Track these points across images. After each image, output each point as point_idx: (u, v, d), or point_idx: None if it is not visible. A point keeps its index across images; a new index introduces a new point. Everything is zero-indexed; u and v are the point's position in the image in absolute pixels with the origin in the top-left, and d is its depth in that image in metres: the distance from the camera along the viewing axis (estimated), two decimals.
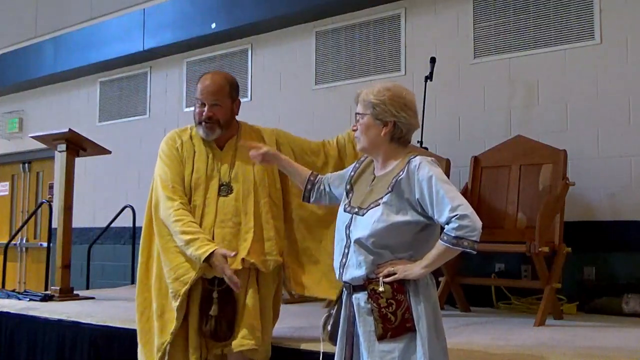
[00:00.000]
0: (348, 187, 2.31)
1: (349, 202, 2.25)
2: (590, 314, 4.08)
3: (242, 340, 2.76)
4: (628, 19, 4.38)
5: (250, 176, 2.90)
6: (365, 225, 2.11)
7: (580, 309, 4.17)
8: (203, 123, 2.89)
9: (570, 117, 4.53)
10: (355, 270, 2.13)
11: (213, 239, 2.78)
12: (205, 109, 2.89)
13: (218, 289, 2.78)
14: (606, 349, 2.93)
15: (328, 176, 2.49)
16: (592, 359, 2.71)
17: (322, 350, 2.34)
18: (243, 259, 2.78)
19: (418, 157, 2.17)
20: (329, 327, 2.29)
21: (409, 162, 2.16)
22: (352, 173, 2.34)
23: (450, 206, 2.03)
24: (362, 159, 2.37)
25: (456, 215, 2.02)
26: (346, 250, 2.17)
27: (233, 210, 2.85)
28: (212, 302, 2.77)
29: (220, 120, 2.91)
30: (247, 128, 3.08)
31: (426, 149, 4.57)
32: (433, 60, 4.82)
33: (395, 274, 2.07)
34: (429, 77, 4.75)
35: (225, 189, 2.88)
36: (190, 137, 2.98)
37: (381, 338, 2.07)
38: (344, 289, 2.23)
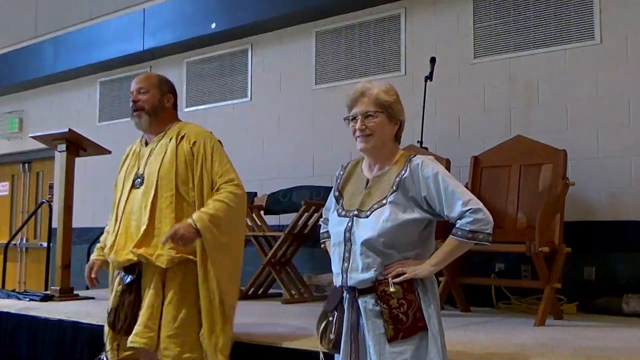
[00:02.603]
0: (337, 194, 2.29)
1: (342, 206, 2.23)
2: (590, 314, 4.08)
3: (133, 337, 2.76)
4: (628, 19, 4.38)
5: (155, 170, 2.90)
6: (372, 226, 2.09)
7: (580, 309, 4.17)
8: (132, 113, 3.00)
9: (570, 117, 4.53)
10: (362, 274, 2.09)
11: (119, 229, 2.91)
12: (132, 97, 3.00)
13: (123, 283, 2.88)
14: (606, 349, 2.93)
15: (324, 218, 2.44)
16: (592, 359, 2.71)
17: (321, 353, 2.30)
18: (132, 252, 2.82)
19: (418, 156, 2.18)
20: (331, 336, 2.20)
21: (409, 160, 2.16)
22: (339, 181, 2.32)
23: (462, 201, 2.05)
24: (344, 165, 2.35)
25: (470, 209, 2.04)
26: (347, 255, 2.13)
27: (139, 202, 2.91)
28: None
29: (146, 106, 2.98)
30: (180, 129, 3.01)
31: (426, 149, 4.57)
32: (433, 60, 4.82)
33: (404, 273, 2.06)
34: (429, 77, 4.75)
35: (139, 181, 2.94)
36: (134, 144, 3.13)
37: (392, 339, 2.04)
38: (345, 295, 2.18)
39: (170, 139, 2.96)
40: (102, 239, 3.15)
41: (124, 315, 2.82)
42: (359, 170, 2.29)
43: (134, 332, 2.77)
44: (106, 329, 2.94)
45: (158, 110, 3.01)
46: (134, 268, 2.86)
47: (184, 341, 2.79)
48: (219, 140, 3.05)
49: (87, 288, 6.40)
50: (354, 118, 2.19)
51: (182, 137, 2.96)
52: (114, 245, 2.90)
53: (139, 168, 2.98)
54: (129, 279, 2.86)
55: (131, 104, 2.99)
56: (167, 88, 3.09)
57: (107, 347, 2.90)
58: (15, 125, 8.41)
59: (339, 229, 2.18)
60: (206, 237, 2.78)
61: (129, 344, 2.78)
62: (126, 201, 2.96)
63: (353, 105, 2.22)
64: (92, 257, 3.12)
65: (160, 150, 2.96)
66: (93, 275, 3.05)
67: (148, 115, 2.98)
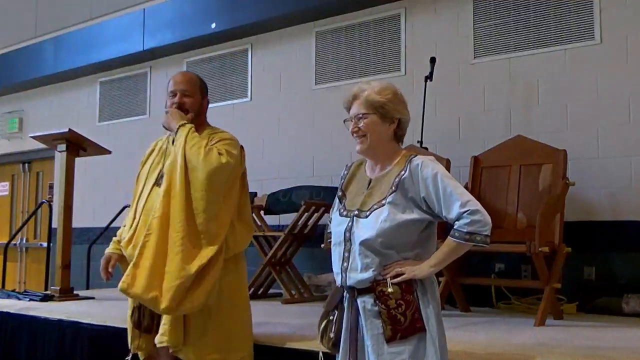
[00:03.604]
0: (340, 193, 2.29)
1: (344, 206, 2.24)
2: (590, 314, 4.08)
3: (160, 337, 2.74)
4: (628, 19, 4.38)
5: (176, 168, 2.85)
6: (371, 226, 2.09)
7: (580, 309, 4.17)
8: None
9: (570, 117, 4.53)
10: (361, 273, 2.10)
11: (138, 224, 2.87)
12: (176, 98, 2.96)
13: None
14: (606, 349, 2.93)
15: (330, 218, 2.45)
16: (592, 359, 2.71)
17: (321, 353, 2.30)
18: None
19: (419, 156, 2.18)
20: (331, 335, 2.22)
21: (409, 161, 2.16)
22: (343, 181, 2.33)
23: (460, 202, 2.04)
24: (348, 165, 2.36)
25: (467, 210, 2.03)
26: (346, 254, 2.14)
27: (160, 199, 2.85)
28: None
29: (189, 109, 2.97)
30: (208, 131, 3.03)
31: (426, 149, 4.57)
32: (433, 60, 4.82)
33: (403, 274, 2.06)
34: (429, 77, 4.75)
35: (162, 179, 2.89)
36: (160, 140, 3.09)
37: (390, 340, 2.04)
38: (345, 294, 2.19)
39: None
40: (119, 232, 3.09)
41: (149, 313, 2.78)
42: (363, 170, 2.30)
43: (160, 331, 2.74)
44: (130, 328, 2.89)
45: (198, 114, 3.02)
46: None
47: (206, 341, 2.78)
48: (241, 146, 3.01)
49: (87, 287, 6.43)
50: (352, 121, 2.22)
51: (210, 140, 2.93)
52: (132, 240, 2.87)
53: (163, 166, 2.94)
54: None
55: (174, 104, 2.95)
56: (205, 91, 3.10)
57: (134, 347, 2.87)
58: (15, 125, 8.41)
59: (339, 228, 2.19)
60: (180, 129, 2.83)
61: (158, 344, 2.75)
62: (147, 197, 2.92)
63: (348, 108, 2.26)
64: (109, 250, 3.05)
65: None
66: (110, 270, 3.00)
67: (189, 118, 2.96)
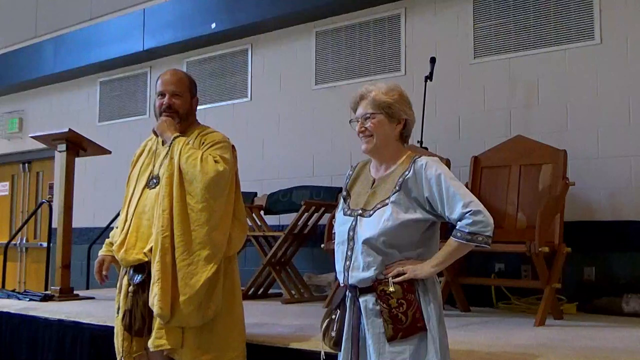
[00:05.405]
0: (345, 193, 2.31)
1: (348, 205, 2.25)
2: (590, 314, 4.08)
3: (158, 341, 2.72)
4: (628, 19, 4.38)
5: (172, 171, 2.82)
6: (374, 225, 2.11)
7: (580, 309, 4.17)
8: (163, 114, 2.94)
9: (570, 117, 4.53)
10: (363, 272, 2.11)
11: (130, 227, 2.86)
12: (165, 99, 2.93)
13: (133, 283, 2.82)
14: (606, 349, 2.93)
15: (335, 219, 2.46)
16: (592, 359, 2.71)
17: (323, 352, 2.31)
18: (145, 253, 2.80)
19: (423, 157, 2.20)
20: (332, 334, 2.23)
21: (414, 161, 2.18)
22: (347, 181, 2.35)
23: (463, 202, 2.05)
24: (354, 165, 2.37)
25: (469, 211, 2.04)
26: (349, 253, 2.16)
27: (152, 202, 2.84)
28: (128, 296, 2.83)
29: (179, 110, 2.94)
30: (198, 131, 2.99)
31: (426, 149, 4.57)
32: (433, 60, 4.82)
33: (404, 273, 2.07)
34: (429, 77, 4.75)
35: (154, 182, 2.87)
36: (150, 141, 3.06)
37: (392, 339, 2.05)
38: (348, 293, 2.20)
39: (192, 142, 2.91)
40: (111, 234, 3.07)
41: (140, 316, 2.77)
42: (367, 170, 2.31)
43: (156, 335, 2.72)
44: (118, 330, 2.88)
45: (188, 115, 2.98)
46: (143, 267, 2.81)
47: (201, 342, 2.77)
48: (233, 146, 2.99)
49: (87, 287, 6.43)
50: (358, 121, 2.24)
51: (202, 143, 2.91)
52: (123, 244, 2.85)
53: (154, 167, 2.92)
54: (139, 278, 2.80)
55: (163, 105, 2.92)
56: (195, 90, 3.05)
57: (121, 350, 2.85)
58: (15, 125, 8.42)
59: (343, 227, 2.21)
60: (174, 145, 2.81)
61: (154, 348, 2.72)
62: (138, 200, 2.89)
63: (355, 109, 2.27)
64: (102, 252, 3.02)
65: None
66: (104, 273, 2.99)
67: (180, 119, 2.93)
